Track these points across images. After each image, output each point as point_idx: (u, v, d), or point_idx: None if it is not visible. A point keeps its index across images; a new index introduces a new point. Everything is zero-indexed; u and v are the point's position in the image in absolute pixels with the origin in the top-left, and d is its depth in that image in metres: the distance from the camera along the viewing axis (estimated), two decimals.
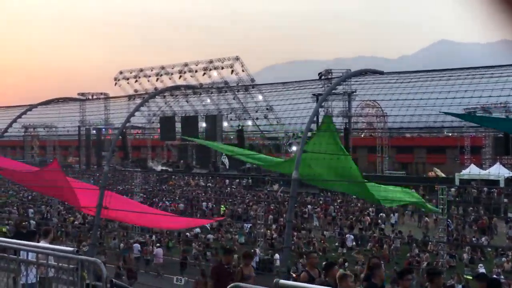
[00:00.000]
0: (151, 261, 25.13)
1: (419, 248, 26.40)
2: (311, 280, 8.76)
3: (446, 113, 54.06)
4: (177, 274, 21.16)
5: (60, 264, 5.08)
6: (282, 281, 3.84)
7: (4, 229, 26.18)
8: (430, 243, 27.30)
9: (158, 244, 26.68)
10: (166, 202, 39.57)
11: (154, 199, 40.36)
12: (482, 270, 22.22)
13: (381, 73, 12.24)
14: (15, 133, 69.01)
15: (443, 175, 50.18)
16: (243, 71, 62.19)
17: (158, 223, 13.44)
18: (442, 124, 59.06)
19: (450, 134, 61.13)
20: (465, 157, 52.09)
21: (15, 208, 36.18)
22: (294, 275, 15.21)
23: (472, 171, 44.36)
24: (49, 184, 11.71)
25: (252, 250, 25.38)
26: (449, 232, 27.85)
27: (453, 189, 38.54)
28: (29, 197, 41.10)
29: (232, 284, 4.56)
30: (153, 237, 28.91)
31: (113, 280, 5.50)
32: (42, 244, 8.00)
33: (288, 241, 10.16)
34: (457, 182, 42.03)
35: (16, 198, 40.81)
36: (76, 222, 31.58)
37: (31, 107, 15.06)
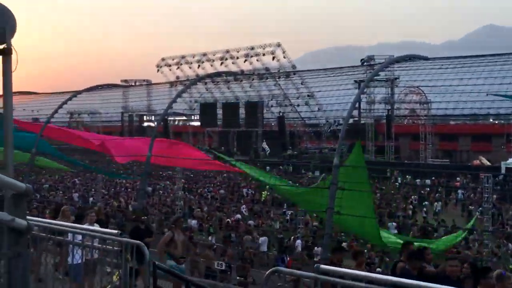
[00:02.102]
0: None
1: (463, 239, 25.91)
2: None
3: (495, 94, 52.24)
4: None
5: (104, 246, 5.19)
6: (323, 266, 3.83)
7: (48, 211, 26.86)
8: (475, 232, 26.78)
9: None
10: (207, 188, 40.00)
11: (195, 185, 40.86)
12: None
13: (425, 58, 12.03)
14: (61, 119, 70.69)
15: (489, 163, 49.04)
16: (284, 57, 61.98)
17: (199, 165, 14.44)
18: (488, 111, 57.59)
19: (497, 122, 59.60)
20: None
21: (60, 192, 37.15)
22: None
23: None
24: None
25: (292, 237, 25.43)
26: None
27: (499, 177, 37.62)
28: (75, 182, 42.12)
29: (272, 269, 4.56)
30: (194, 222, 29.22)
31: (156, 262, 5.57)
32: (87, 226, 8.20)
33: (329, 228, 10.12)
34: (503, 171, 41.03)
35: (62, 181, 41.92)
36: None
37: (76, 94, 15.41)
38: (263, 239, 24.76)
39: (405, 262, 8.65)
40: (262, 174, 15.55)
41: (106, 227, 12.38)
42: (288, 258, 18.41)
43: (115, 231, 5.33)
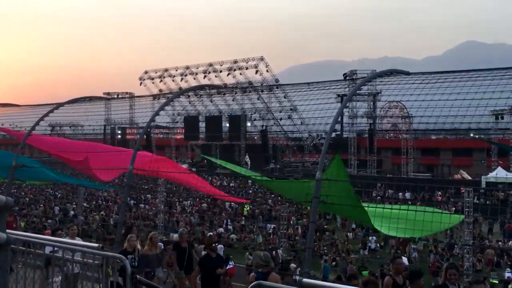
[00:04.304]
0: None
1: (444, 252, 26.07)
2: (395, 286, 8.47)
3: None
4: None
5: (85, 260, 5.13)
6: (305, 280, 3.82)
7: (23, 224, 26.45)
8: (455, 246, 26.96)
9: None
10: (190, 200, 39.82)
11: (180, 199, 40.68)
12: (508, 274, 21.89)
13: (407, 73, 12.08)
14: (42, 131, 69.88)
15: (469, 177, 49.50)
16: (267, 71, 62.24)
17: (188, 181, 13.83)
18: (469, 125, 58.23)
19: (477, 136, 60.29)
20: (492, 159, 51.28)
21: (41, 205, 36.70)
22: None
23: (499, 174, 43.64)
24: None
25: (274, 252, 25.36)
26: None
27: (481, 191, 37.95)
28: (58, 195, 41.66)
29: (254, 282, 4.54)
30: (176, 235, 29.01)
31: (138, 276, 5.51)
32: (68, 240, 8.11)
33: (311, 242, 10.08)
34: (483, 185, 41.40)
35: (42, 193, 41.43)
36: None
37: (58, 106, 15.17)
38: (219, 246, 24.73)
39: (392, 276, 8.64)
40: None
41: (189, 256, 11.77)
42: (232, 265, 18.49)
43: (96, 245, 5.27)
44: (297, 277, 18.70)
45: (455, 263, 10.64)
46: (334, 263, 25.04)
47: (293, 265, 22.34)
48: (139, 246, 11.21)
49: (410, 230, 9.63)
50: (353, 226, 33.79)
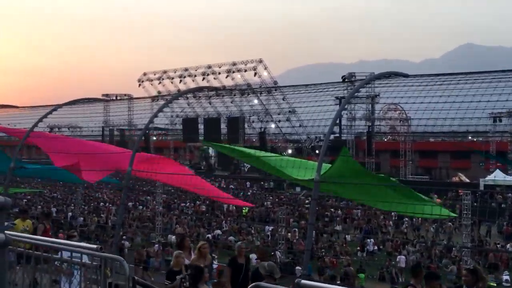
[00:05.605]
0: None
1: (441, 254, 26.11)
2: None
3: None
4: None
5: (84, 261, 5.13)
6: (303, 281, 3.83)
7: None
8: (454, 248, 26.99)
9: None
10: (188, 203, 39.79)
11: (175, 200, 40.62)
12: (506, 277, 21.93)
13: (406, 76, 12.09)
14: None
15: (467, 180, 49.53)
16: (266, 73, 62.26)
17: (186, 185, 13.14)
18: (467, 128, 58.24)
19: (475, 139, 60.33)
20: (490, 162, 51.29)
21: (39, 206, 36.66)
22: None
23: (497, 176, 43.70)
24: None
25: (272, 253, 25.39)
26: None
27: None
28: (57, 196, 41.64)
29: (252, 284, 4.55)
30: (174, 237, 29.02)
31: (135, 277, 5.52)
32: (66, 241, 8.09)
33: (310, 244, 10.08)
34: (481, 188, 41.47)
35: (40, 195, 41.39)
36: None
37: (56, 107, 15.17)
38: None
39: (415, 286, 8.34)
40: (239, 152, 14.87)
41: (245, 274, 10.30)
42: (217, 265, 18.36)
43: (94, 246, 5.27)
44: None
45: (476, 267, 10.32)
46: (319, 263, 25.19)
47: (298, 268, 22.30)
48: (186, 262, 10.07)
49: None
50: (339, 228, 33.88)
